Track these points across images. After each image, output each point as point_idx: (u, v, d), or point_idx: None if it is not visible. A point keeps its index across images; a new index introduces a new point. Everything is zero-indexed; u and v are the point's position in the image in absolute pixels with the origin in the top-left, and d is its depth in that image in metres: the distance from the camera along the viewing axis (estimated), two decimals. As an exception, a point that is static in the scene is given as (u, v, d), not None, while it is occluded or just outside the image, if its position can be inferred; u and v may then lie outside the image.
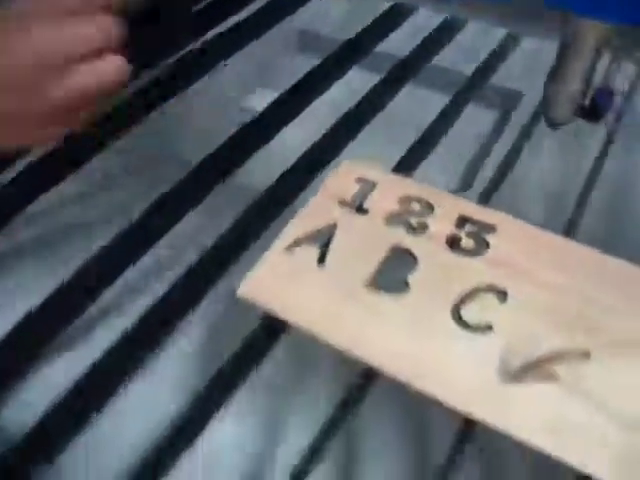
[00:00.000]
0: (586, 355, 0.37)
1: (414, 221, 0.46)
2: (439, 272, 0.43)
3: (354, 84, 0.67)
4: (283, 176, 0.55)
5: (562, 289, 0.41)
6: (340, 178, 0.50)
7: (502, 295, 0.41)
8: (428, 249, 0.44)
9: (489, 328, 0.39)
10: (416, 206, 0.47)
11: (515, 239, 0.45)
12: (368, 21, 0.75)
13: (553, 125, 0.49)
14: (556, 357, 0.37)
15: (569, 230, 0.49)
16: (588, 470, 0.34)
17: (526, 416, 0.36)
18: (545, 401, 0.36)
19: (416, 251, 0.44)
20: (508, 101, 0.76)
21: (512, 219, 0.47)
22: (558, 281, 0.42)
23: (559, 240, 0.45)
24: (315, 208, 0.48)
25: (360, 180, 0.50)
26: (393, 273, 0.43)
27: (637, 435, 0.35)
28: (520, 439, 0.35)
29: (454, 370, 0.38)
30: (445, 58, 0.73)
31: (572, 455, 0.34)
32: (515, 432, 0.35)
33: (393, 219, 0.47)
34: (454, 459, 0.38)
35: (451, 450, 0.40)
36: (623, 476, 0.33)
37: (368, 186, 0.49)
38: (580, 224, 0.51)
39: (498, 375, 0.37)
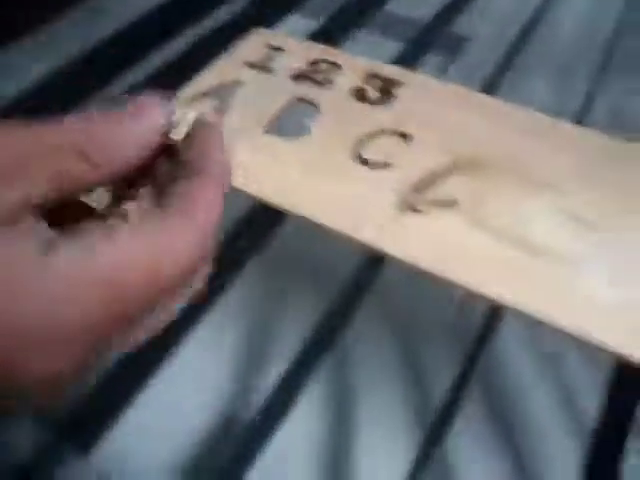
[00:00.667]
0: (477, 166, 0.37)
1: (320, 77, 0.45)
2: (341, 118, 0.42)
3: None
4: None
5: (462, 134, 0.41)
6: (249, 44, 0.49)
7: (405, 137, 0.40)
8: (332, 99, 0.43)
9: (389, 165, 0.38)
10: (324, 66, 0.46)
11: (422, 92, 0.44)
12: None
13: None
14: (445, 173, 0.36)
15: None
16: (493, 295, 0.33)
17: (426, 245, 0.35)
18: (446, 229, 0.35)
19: (319, 101, 0.43)
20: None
21: (420, 75, 0.46)
22: (458, 126, 0.41)
23: (462, 90, 0.45)
24: (219, 69, 0.46)
25: (269, 46, 0.48)
26: (292, 119, 0.42)
27: (540, 259, 0.34)
28: (420, 268, 0.34)
29: (351, 202, 0.37)
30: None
31: (476, 281, 0.33)
32: (414, 260, 0.34)
33: (299, 76, 0.45)
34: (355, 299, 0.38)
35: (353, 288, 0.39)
36: (526, 298, 0.32)
37: (277, 51, 0.48)
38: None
39: (396, 206, 0.36)
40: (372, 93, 0.44)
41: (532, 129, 0.41)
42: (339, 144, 0.39)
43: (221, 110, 0.42)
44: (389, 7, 0.71)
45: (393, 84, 0.45)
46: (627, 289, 0.33)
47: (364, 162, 0.38)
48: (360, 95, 0.43)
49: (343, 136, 0.40)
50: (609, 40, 0.86)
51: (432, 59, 0.75)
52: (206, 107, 0.42)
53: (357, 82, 0.44)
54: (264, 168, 0.39)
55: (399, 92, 0.44)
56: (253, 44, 0.48)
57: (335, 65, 0.46)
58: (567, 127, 0.42)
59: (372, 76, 0.45)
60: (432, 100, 0.43)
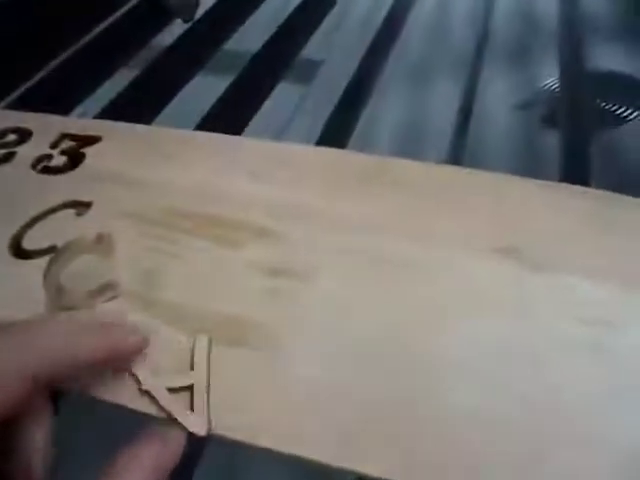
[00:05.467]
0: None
1: (3, 152, 0.38)
2: (10, 202, 0.34)
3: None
4: None
5: (149, 186, 0.34)
6: None
7: (84, 207, 0.33)
8: (7, 179, 0.36)
9: (53, 250, 0.31)
10: (11, 136, 0.39)
11: (117, 145, 0.37)
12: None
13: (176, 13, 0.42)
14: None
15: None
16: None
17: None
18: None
19: (-8, 183, 0.36)
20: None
21: (123, 125, 0.39)
22: (147, 177, 0.34)
23: (170, 133, 0.38)
24: None
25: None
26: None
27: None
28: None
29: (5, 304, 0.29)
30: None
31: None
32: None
33: (-22, 159, 0.38)
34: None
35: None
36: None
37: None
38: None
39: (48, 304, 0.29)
40: (58, 159, 0.37)
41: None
42: (-3, 237, 0.32)
43: None
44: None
45: (88, 142, 0.38)
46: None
47: (23, 254, 0.31)
48: (42, 166, 0.36)
49: (5, 226, 0.33)
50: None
51: (285, 88, 0.68)
52: None
53: (44, 149, 0.37)
54: None
55: (91, 151, 0.37)
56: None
57: (25, 132, 0.39)
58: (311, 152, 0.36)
59: (65, 137, 0.38)
60: (123, 152, 0.36)
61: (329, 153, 0.35)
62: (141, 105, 0.47)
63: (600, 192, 0.33)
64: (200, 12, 0.64)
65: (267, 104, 0.56)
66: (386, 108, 0.54)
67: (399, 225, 0.30)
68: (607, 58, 0.63)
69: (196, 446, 0.29)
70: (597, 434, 0.22)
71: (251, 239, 0.30)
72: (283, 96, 0.60)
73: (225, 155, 0.35)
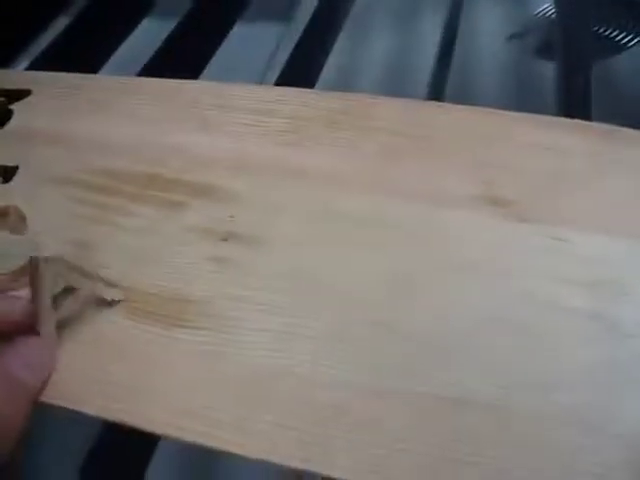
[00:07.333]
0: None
1: None
2: None
3: None
4: None
5: (81, 145, 0.29)
6: None
7: (9, 172, 0.29)
8: None
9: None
10: None
11: (53, 100, 0.32)
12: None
13: None
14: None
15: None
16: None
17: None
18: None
19: None
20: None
21: (58, 76, 0.34)
22: (83, 135, 0.30)
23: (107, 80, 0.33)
24: None
25: None
26: None
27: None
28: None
29: None
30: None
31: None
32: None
33: None
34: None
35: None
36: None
37: None
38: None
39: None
40: (-19, 118, 0.32)
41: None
42: None
43: None
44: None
45: (17, 96, 0.33)
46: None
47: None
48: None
49: None
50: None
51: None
52: None
53: (-34, 107, 0.33)
54: None
55: (20, 106, 0.32)
56: None
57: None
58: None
59: (-9, 93, 0.33)
60: (55, 106, 0.32)
61: (290, 94, 0.31)
62: (83, 54, 0.41)
63: (601, 126, 0.28)
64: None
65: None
66: (359, 41, 0.48)
67: (368, 176, 0.26)
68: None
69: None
70: (601, 415, 0.19)
71: (194, 200, 0.26)
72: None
73: (169, 103, 0.31)
